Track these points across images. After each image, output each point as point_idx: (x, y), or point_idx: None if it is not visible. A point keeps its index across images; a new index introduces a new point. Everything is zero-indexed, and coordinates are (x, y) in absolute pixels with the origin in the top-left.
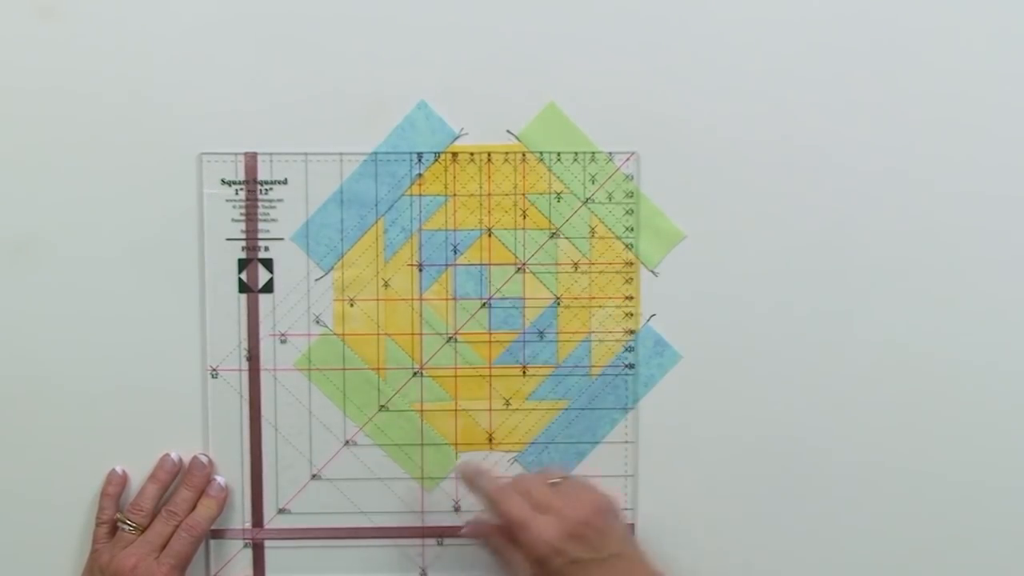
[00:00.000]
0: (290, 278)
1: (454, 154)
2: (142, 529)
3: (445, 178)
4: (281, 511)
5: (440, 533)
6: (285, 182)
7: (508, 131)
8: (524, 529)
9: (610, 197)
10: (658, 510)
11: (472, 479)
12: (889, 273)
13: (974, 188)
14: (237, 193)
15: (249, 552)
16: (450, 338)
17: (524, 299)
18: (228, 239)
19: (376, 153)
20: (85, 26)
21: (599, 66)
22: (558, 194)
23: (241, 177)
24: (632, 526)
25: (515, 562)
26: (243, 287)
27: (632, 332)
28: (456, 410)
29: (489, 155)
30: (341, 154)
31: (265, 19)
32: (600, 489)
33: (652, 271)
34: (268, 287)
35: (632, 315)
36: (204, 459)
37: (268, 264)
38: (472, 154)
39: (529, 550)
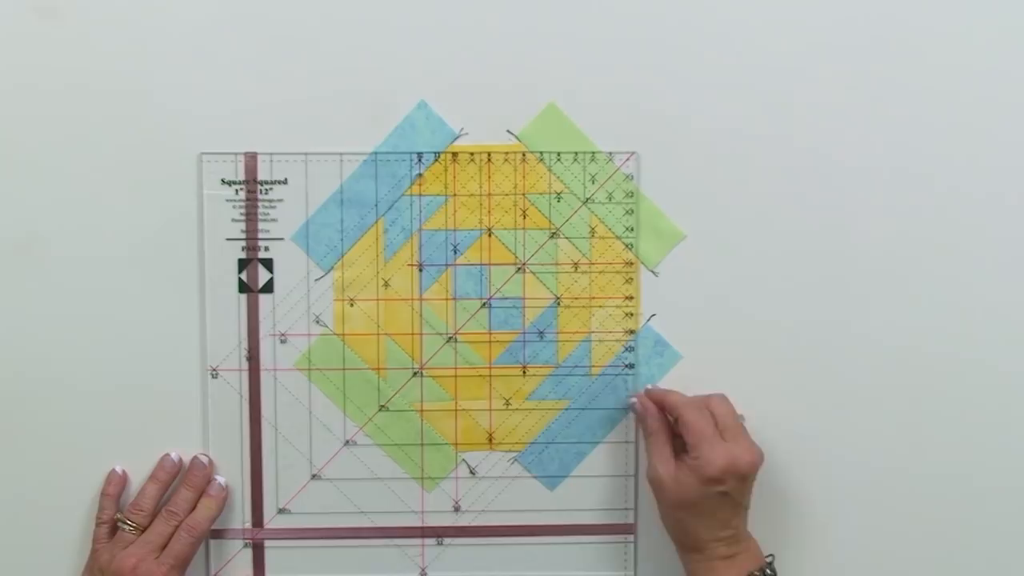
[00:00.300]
0: (290, 278)
1: (454, 154)
2: (142, 529)
3: (445, 178)
4: (281, 511)
5: (440, 533)
6: (285, 182)
7: (508, 131)
8: (706, 443)
9: (610, 197)
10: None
11: (661, 397)
12: (889, 272)
13: (975, 187)
14: (237, 193)
15: (249, 552)
16: (450, 338)
17: (524, 299)
18: (228, 239)
19: (376, 153)
20: (85, 26)
21: (599, 66)
22: (558, 194)
23: (241, 177)
24: (632, 525)
25: (660, 457)
26: (243, 287)
27: (632, 332)
28: (456, 410)
29: (489, 155)
30: (341, 154)
31: (265, 19)
32: None
33: (652, 271)
34: (268, 287)
35: (632, 315)
36: (204, 459)
37: (268, 264)
38: (472, 154)
39: (697, 464)
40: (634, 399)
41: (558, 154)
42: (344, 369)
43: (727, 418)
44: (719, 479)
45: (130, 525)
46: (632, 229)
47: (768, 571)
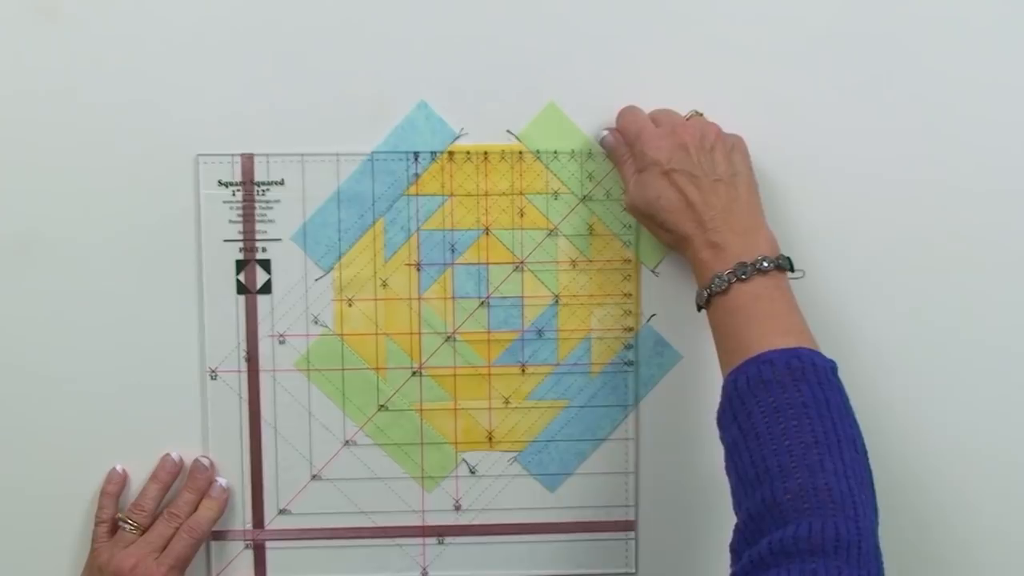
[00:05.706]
0: (288, 278)
1: (451, 153)
2: (143, 529)
3: (443, 178)
4: (282, 512)
5: (440, 532)
6: (282, 183)
7: (508, 131)
8: (644, 134)
9: (608, 195)
10: (659, 508)
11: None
12: (889, 272)
13: (975, 185)
14: (234, 194)
15: (250, 553)
16: (449, 337)
17: (523, 298)
18: (225, 240)
19: (374, 153)
20: (84, 27)
21: (599, 66)
22: (556, 192)
23: (238, 178)
24: (633, 522)
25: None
26: (241, 288)
27: (631, 330)
28: (456, 409)
29: (486, 154)
30: (338, 154)
31: (263, 20)
32: None
33: (652, 270)
34: (266, 288)
35: (631, 313)
36: (206, 461)
37: (266, 265)
38: (469, 153)
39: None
40: (605, 132)
41: (555, 152)
42: (343, 369)
43: (661, 114)
44: (661, 160)
45: (131, 525)
46: (630, 227)
47: (764, 264)
